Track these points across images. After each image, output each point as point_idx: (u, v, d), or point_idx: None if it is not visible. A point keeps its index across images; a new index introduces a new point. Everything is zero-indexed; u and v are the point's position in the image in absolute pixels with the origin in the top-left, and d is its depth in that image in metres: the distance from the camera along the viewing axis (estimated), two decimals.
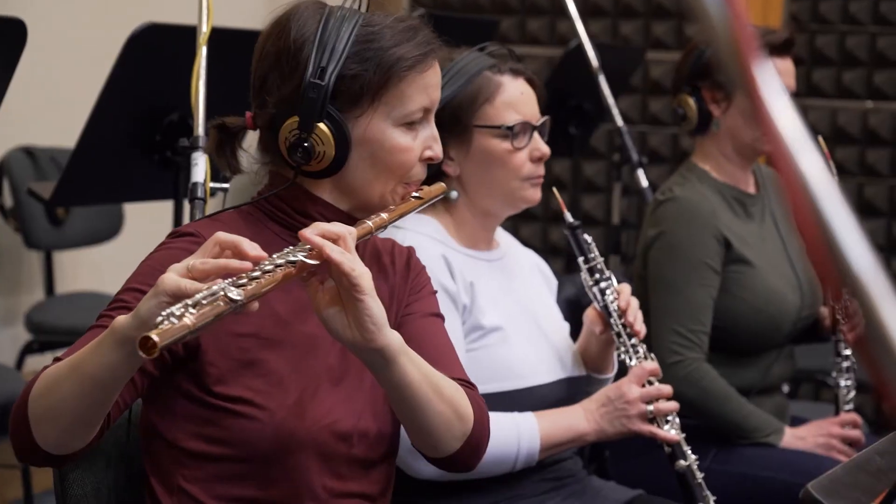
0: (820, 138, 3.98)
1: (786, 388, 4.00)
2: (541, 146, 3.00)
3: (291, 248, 2.07)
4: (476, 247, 3.05)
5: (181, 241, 2.29)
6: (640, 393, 2.93)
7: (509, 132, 2.95)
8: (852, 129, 6.65)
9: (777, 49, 3.66)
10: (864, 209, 6.57)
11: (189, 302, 1.87)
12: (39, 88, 5.12)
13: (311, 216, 2.34)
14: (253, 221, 2.37)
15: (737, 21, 0.68)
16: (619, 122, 4.75)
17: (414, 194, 2.37)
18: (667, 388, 2.96)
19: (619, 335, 3.01)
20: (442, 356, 2.43)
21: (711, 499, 2.97)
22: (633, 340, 3.01)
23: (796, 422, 3.81)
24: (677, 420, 2.98)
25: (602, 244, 3.18)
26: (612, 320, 3.01)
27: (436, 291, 2.57)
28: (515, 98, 2.99)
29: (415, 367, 2.20)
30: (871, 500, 1.81)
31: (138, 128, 3.67)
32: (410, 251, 2.56)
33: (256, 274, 1.96)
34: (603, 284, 3.04)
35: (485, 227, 3.07)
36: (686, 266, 3.56)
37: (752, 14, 6.86)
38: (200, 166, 3.05)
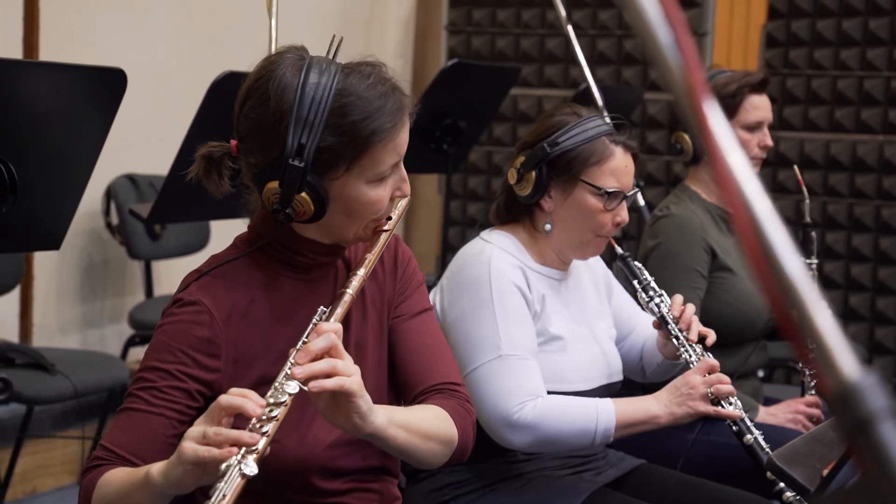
0: (795, 167, 4.01)
1: (761, 374, 3.99)
2: (624, 214, 2.99)
3: (286, 375, 1.99)
4: (548, 265, 3.03)
5: (186, 311, 2.18)
6: (702, 380, 2.90)
7: (606, 195, 2.94)
8: (816, 157, 6.63)
9: (755, 87, 3.71)
10: (826, 223, 6.58)
11: (213, 501, 1.82)
12: (141, 124, 5.15)
13: (301, 252, 2.26)
14: (250, 263, 2.27)
15: (690, 69, 0.68)
16: None
17: (384, 228, 2.25)
18: (725, 377, 2.94)
19: (677, 338, 3.01)
20: (432, 358, 2.38)
21: None
22: (690, 341, 3.01)
23: (770, 402, 3.80)
24: (738, 402, 2.95)
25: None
26: (669, 327, 3.02)
27: (423, 282, 2.47)
28: (620, 169, 2.96)
29: (402, 430, 2.15)
30: (824, 466, 1.81)
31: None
32: (396, 239, 2.42)
33: (266, 429, 1.90)
34: (657, 300, 3.07)
35: (561, 260, 3.05)
36: (679, 271, 3.56)
37: (735, 59, 6.86)
38: None
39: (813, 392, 3.72)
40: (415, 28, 7.77)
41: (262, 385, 2.13)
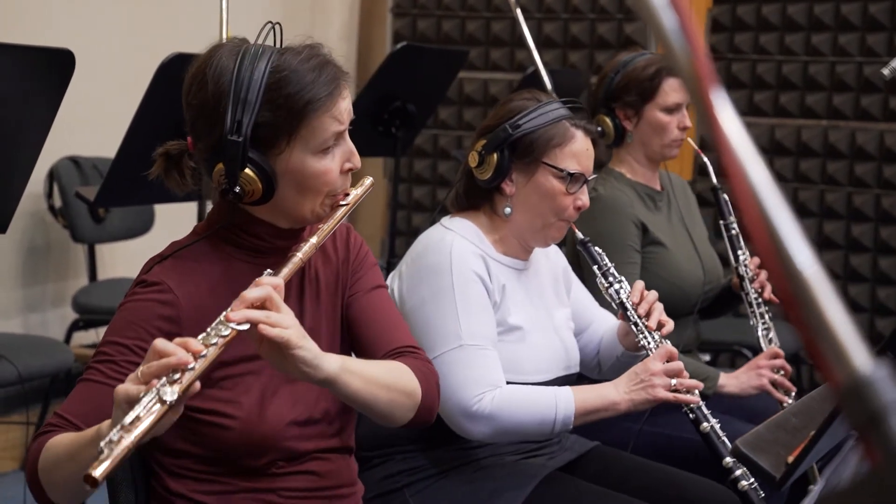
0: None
1: (707, 357, 3.99)
2: (584, 198, 2.99)
3: (223, 317, 2.02)
4: (508, 254, 3.02)
5: (149, 291, 2.23)
6: (662, 367, 2.89)
7: (569, 177, 2.94)
8: (761, 142, 6.67)
9: None
10: None
11: (126, 422, 1.83)
12: (85, 107, 5.08)
13: (258, 235, 2.31)
14: (210, 249, 2.31)
15: (697, 56, 0.67)
16: None
17: (342, 203, 2.30)
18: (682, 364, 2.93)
19: (636, 325, 3.01)
20: (389, 327, 2.42)
21: None
22: (649, 328, 3.00)
23: None
24: (696, 391, 2.94)
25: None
26: (628, 313, 3.02)
27: (377, 264, 2.51)
28: (582, 152, 2.96)
29: (356, 377, 2.19)
30: (788, 453, 1.81)
31: (167, 141, 3.65)
32: (348, 228, 2.49)
33: (192, 365, 1.91)
34: (616, 286, 3.06)
35: (522, 247, 3.04)
36: (614, 249, 3.54)
37: None
38: None
39: (771, 343, 3.68)
40: (360, 11, 7.74)
41: (219, 368, 2.18)
